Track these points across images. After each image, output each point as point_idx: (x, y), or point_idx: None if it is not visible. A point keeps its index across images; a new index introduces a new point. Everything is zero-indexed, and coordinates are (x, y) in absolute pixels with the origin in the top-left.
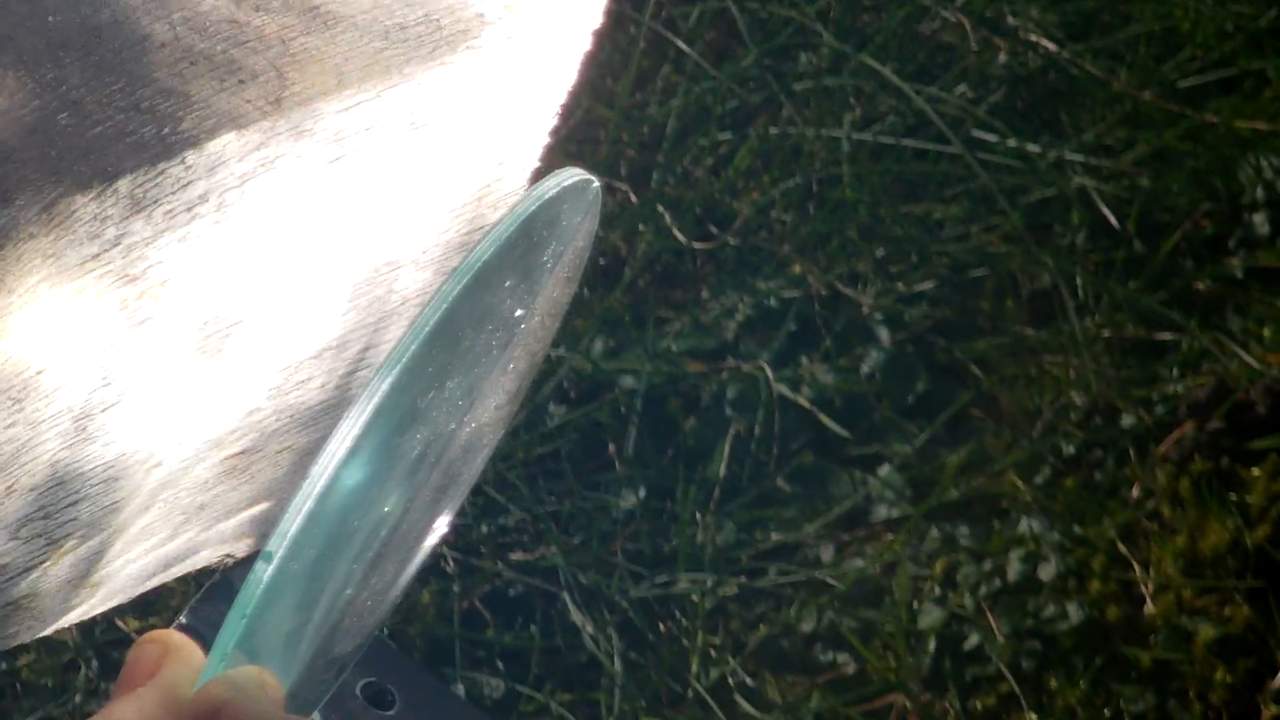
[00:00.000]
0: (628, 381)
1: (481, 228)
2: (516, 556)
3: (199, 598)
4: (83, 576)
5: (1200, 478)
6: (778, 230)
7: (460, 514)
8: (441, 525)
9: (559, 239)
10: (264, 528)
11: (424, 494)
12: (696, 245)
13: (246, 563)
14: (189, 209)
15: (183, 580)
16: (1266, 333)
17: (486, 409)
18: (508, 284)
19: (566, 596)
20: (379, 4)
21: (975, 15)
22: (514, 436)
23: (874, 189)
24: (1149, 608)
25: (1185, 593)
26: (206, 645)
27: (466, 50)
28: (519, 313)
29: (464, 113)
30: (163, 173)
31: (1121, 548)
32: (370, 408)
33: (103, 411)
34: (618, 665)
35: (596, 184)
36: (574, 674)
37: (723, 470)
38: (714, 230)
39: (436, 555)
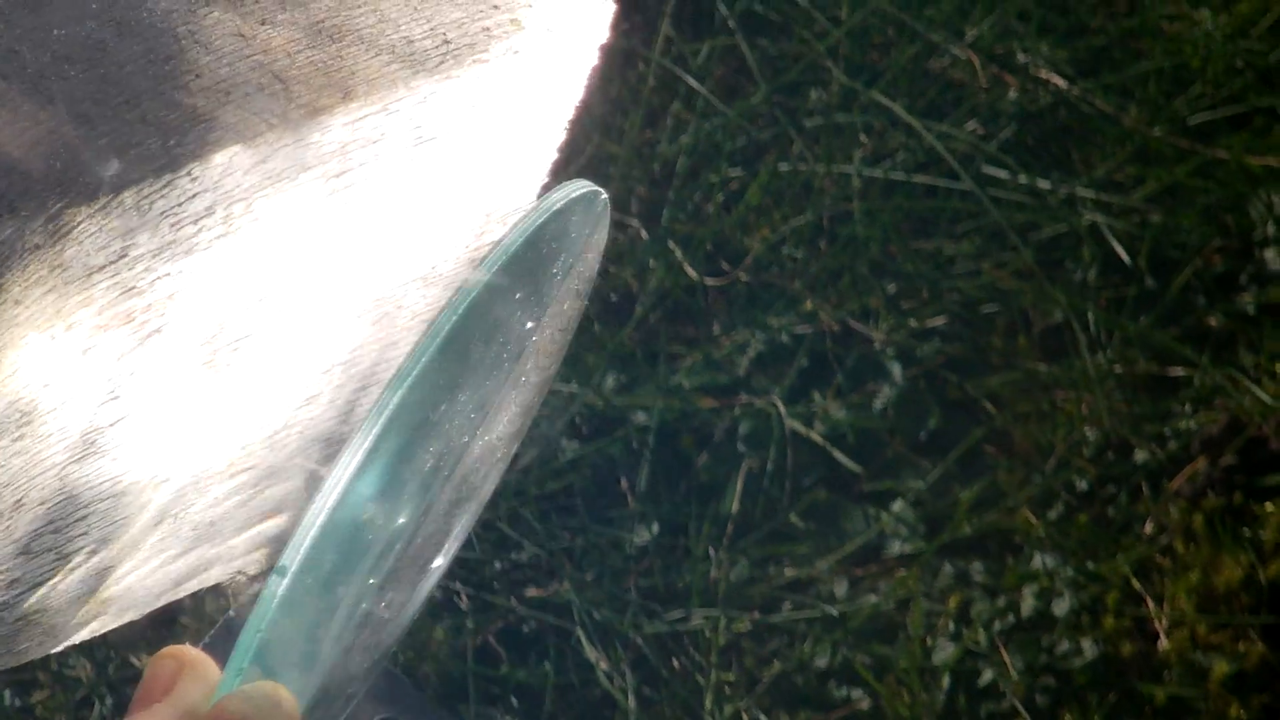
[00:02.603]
0: (640, 417)
1: (489, 243)
2: (530, 593)
3: (212, 634)
4: (92, 592)
5: (1213, 513)
6: (789, 266)
7: (473, 549)
8: (457, 540)
9: (568, 251)
10: (275, 544)
11: (439, 508)
12: (708, 281)
13: (257, 581)
14: (195, 221)
15: (196, 616)
16: (1279, 369)
17: (499, 422)
18: (517, 296)
19: (580, 632)
20: (385, 18)
21: (985, 52)
22: (526, 473)
23: (885, 225)
24: (1163, 643)
25: (1199, 628)
26: (223, 661)
27: (474, 64)
28: (529, 325)
29: (472, 127)
30: (168, 185)
31: (1135, 583)
32: (382, 421)
33: (110, 426)
34: (631, 702)
35: (605, 196)
36: (588, 710)
37: (735, 506)
38: (725, 266)
39: (450, 585)
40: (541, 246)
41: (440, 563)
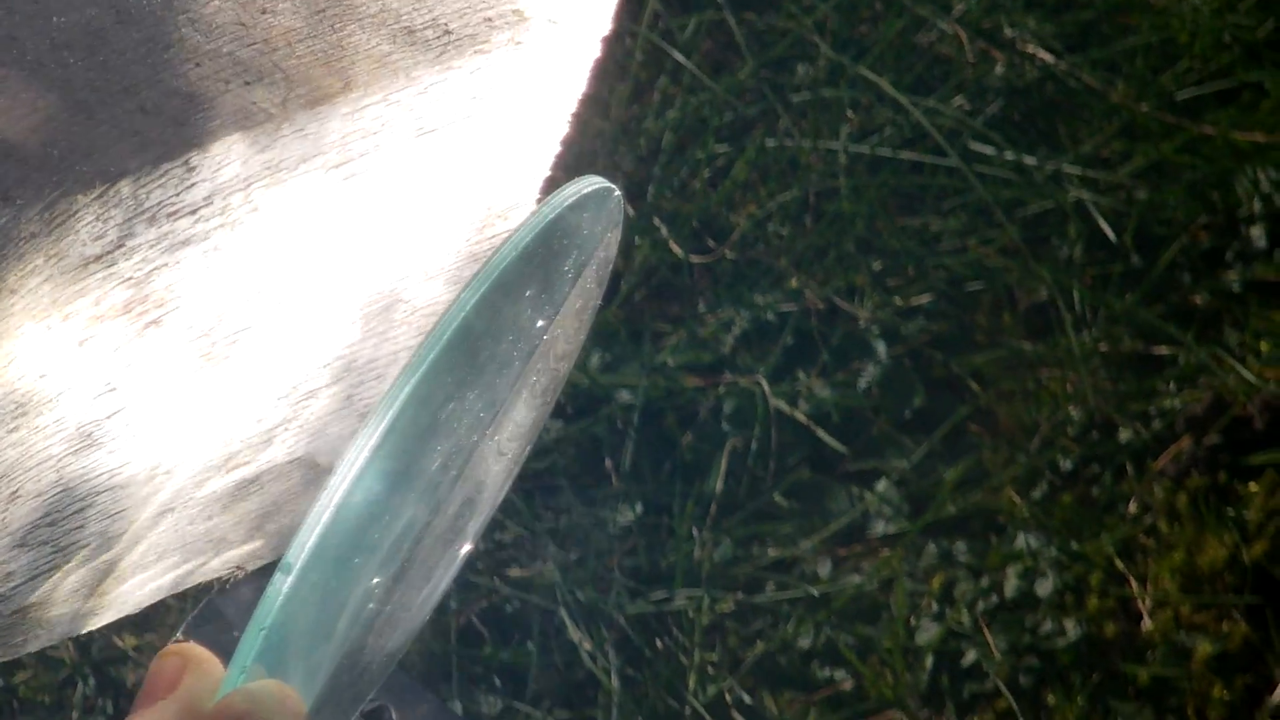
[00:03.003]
0: (624, 396)
1: (491, 237)
2: (513, 573)
3: (194, 616)
4: (92, 587)
5: (1198, 493)
6: (775, 244)
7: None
8: (468, 543)
9: (580, 248)
10: (274, 540)
11: (448, 509)
12: (693, 259)
13: (247, 583)
14: (193, 211)
15: (180, 596)
16: (1264, 347)
17: (510, 422)
18: (528, 294)
19: (563, 613)
20: (386, 8)
21: (972, 26)
22: None
23: (871, 202)
24: (1146, 624)
25: (1183, 609)
26: (212, 648)
27: (475, 55)
28: (540, 323)
29: (473, 119)
30: (166, 174)
31: (1119, 564)
32: (388, 418)
33: (108, 418)
34: (615, 682)
35: (618, 193)
36: (571, 691)
37: (719, 485)
38: (711, 244)
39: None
40: (552, 243)
41: (453, 562)
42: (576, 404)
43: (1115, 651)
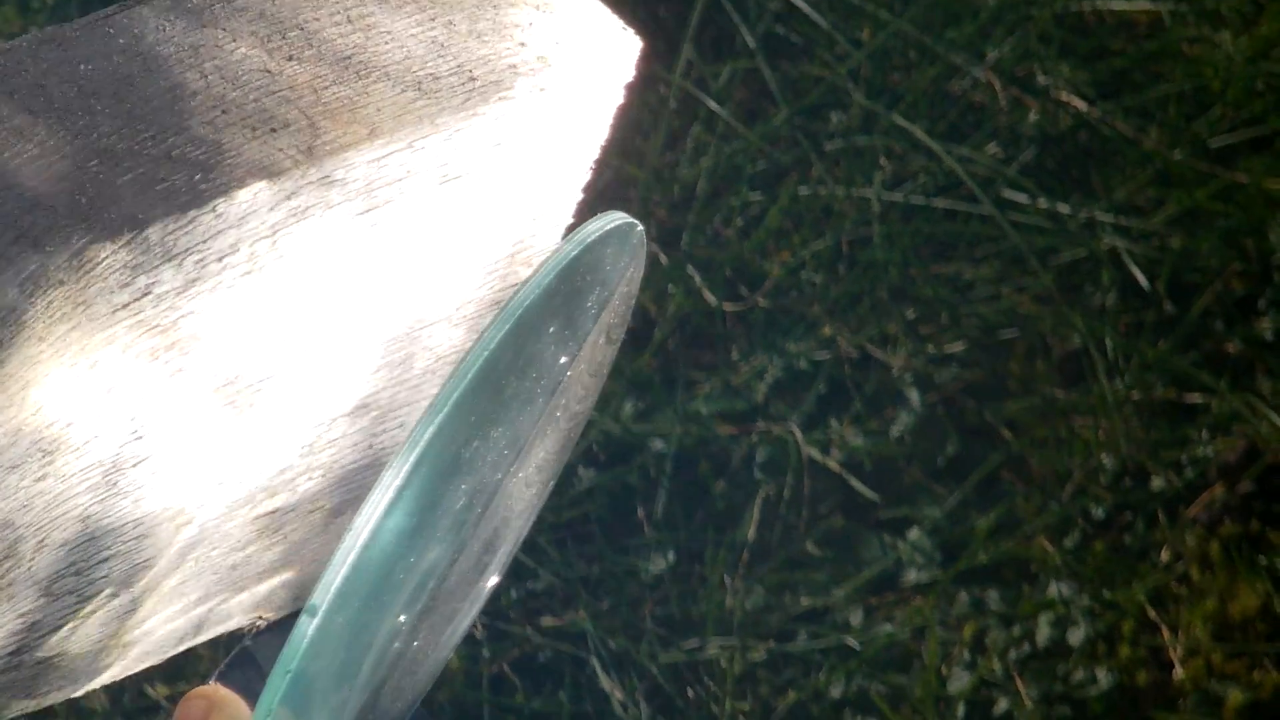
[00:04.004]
0: (657, 444)
1: (514, 285)
2: (545, 621)
3: (227, 663)
4: (114, 635)
5: (1230, 541)
6: (808, 291)
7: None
8: (491, 579)
9: (603, 284)
10: (297, 590)
11: (473, 546)
12: (726, 306)
13: (273, 630)
14: (220, 258)
15: (211, 645)
16: None
17: (533, 459)
18: (551, 330)
19: (595, 661)
20: (411, 55)
21: (1005, 74)
22: None
23: (904, 250)
24: (1178, 672)
25: (1214, 657)
26: (242, 693)
27: (499, 102)
28: (563, 360)
29: (497, 165)
30: (193, 221)
31: (1151, 612)
32: (413, 457)
33: (134, 466)
34: None
35: (640, 228)
36: None
37: (752, 533)
38: (744, 291)
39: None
40: (575, 279)
41: (476, 600)
42: (609, 452)
43: (1147, 700)
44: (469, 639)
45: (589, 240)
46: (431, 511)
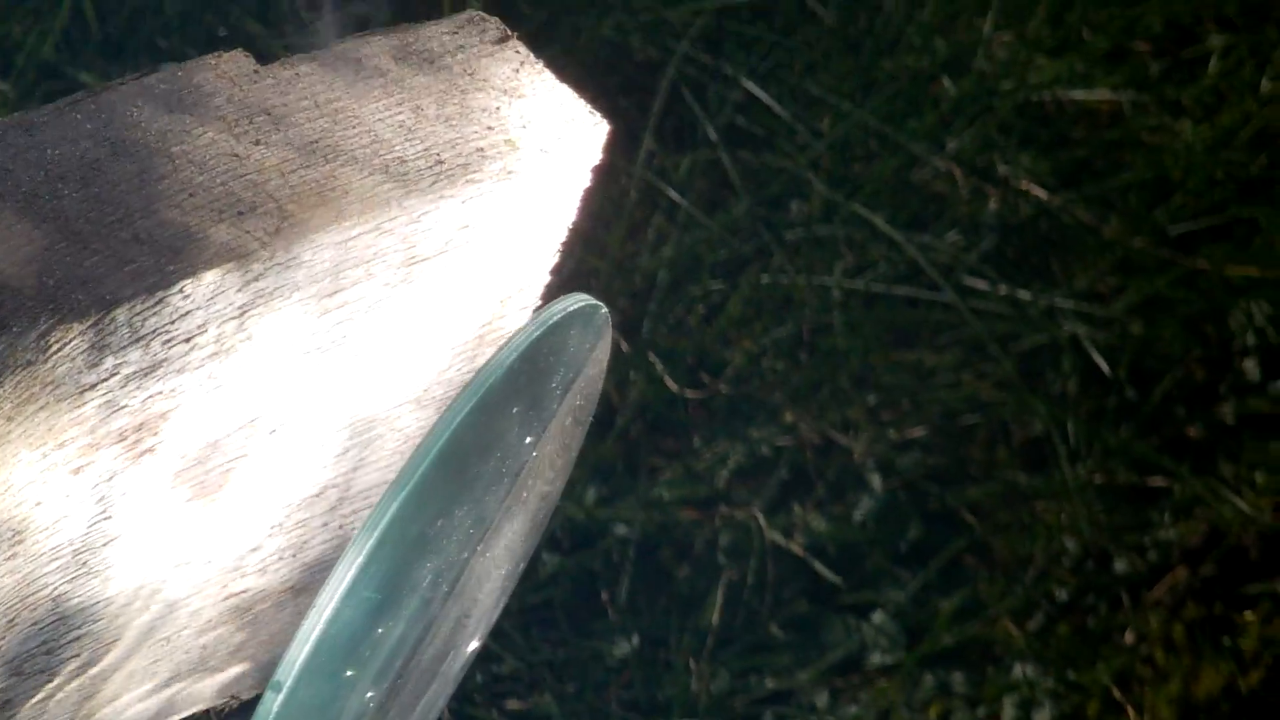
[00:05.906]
0: (620, 529)
1: (481, 365)
2: (511, 705)
3: None
4: (85, 714)
5: (1194, 623)
6: (769, 378)
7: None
8: (464, 656)
9: (567, 365)
10: (267, 671)
11: (443, 625)
12: (688, 394)
13: (242, 711)
14: (187, 339)
15: None
16: (1258, 478)
17: (502, 539)
18: (515, 410)
19: None
20: (378, 139)
21: (966, 164)
22: None
23: (866, 337)
24: None
25: None
26: None
27: (467, 185)
28: (528, 440)
29: (465, 248)
30: (161, 302)
31: (1116, 693)
32: (376, 534)
33: (104, 545)
34: None
35: (604, 310)
36: None
37: (716, 617)
38: (706, 379)
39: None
40: (539, 360)
41: (448, 678)
42: (573, 537)
43: None
44: None
45: (551, 321)
46: (396, 588)
